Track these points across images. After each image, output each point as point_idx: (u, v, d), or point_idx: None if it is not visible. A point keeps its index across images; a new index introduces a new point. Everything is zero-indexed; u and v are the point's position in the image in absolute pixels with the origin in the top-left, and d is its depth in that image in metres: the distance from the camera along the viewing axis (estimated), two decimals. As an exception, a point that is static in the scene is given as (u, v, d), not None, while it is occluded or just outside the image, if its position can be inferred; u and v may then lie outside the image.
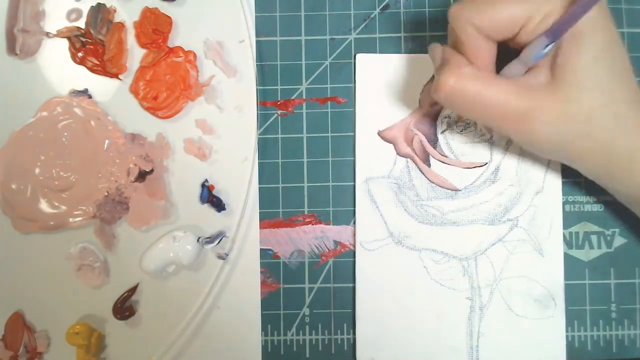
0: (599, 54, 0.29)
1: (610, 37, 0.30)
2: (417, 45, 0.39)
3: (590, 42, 0.29)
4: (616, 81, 0.30)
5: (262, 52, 0.40)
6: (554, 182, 0.38)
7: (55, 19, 0.40)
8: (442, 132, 0.38)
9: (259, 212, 0.39)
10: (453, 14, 0.31)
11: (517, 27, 0.30)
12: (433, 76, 0.38)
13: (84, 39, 0.39)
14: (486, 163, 0.38)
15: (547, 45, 0.29)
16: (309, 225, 0.39)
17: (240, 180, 0.39)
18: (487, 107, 0.31)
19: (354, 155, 0.39)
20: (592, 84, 0.29)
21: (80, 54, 0.39)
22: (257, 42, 0.40)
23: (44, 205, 0.38)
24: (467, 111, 0.32)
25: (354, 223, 0.39)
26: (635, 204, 0.34)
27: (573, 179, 0.38)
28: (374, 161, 0.39)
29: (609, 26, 0.30)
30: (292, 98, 0.39)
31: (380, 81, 0.39)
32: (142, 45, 0.39)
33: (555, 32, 0.28)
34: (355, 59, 0.39)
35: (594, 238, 0.39)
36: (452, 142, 0.38)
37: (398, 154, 0.39)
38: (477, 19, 0.30)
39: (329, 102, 0.39)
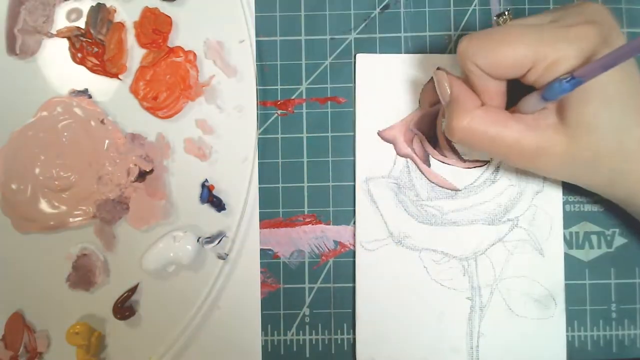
0: (609, 100, 0.29)
1: (623, 82, 0.29)
2: (417, 45, 0.39)
3: (601, 92, 0.29)
4: (627, 123, 0.30)
5: (262, 52, 0.40)
6: (554, 182, 0.38)
7: (55, 19, 0.40)
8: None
9: (259, 212, 0.39)
10: (459, 52, 0.30)
11: (522, 70, 0.30)
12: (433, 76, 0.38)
13: (84, 39, 0.39)
14: (486, 163, 0.38)
15: (568, 90, 0.28)
16: (309, 225, 0.39)
17: (240, 180, 0.39)
18: (499, 147, 0.31)
19: (354, 155, 0.39)
20: (598, 129, 0.29)
21: (80, 54, 0.39)
22: (257, 42, 0.40)
23: (44, 205, 0.38)
24: (479, 149, 0.32)
25: (354, 223, 0.39)
26: None
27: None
28: (374, 161, 0.39)
29: (624, 73, 0.29)
30: (292, 98, 0.39)
31: (380, 81, 0.39)
32: (142, 45, 0.39)
33: (580, 81, 0.27)
34: (355, 59, 0.39)
35: (594, 238, 0.39)
36: (452, 142, 0.38)
37: (398, 154, 0.39)
38: (480, 60, 0.30)
39: (329, 102, 0.39)
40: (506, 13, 0.33)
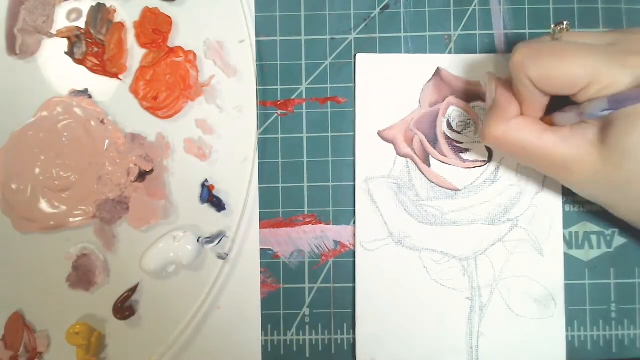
0: None
1: None
2: (417, 45, 0.39)
3: None
4: None
5: (262, 52, 0.40)
6: (554, 182, 0.38)
7: (55, 19, 0.40)
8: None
9: (259, 212, 0.39)
10: (514, 62, 0.30)
11: (574, 90, 0.29)
12: (433, 75, 0.39)
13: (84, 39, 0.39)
14: (486, 163, 0.38)
15: (607, 110, 0.28)
16: (309, 225, 0.39)
17: (240, 180, 0.39)
18: (532, 156, 0.32)
19: (354, 155, 0.39)
20: (637, 157, 0.29)
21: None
22: (257, 42, 0.40)
23: (44, 205, 0.38)
24: (510, 155, 0.33)
25: (354, 223, 0.39)
26: None
27: (573, 179, 0.38)
28: (374, 161, 0.39)
29: None
30: (292, 98, 0.40)
31: (380, 81, 0.39)
32: (142, 45, 0.39)
33: (618, 104, 0.27)
34: (355, 58, 0.39)
35: (594, 238, 0.39)
36: (452, 142, 0.38)
37: (398, 153, 0.39)
38: (534, 73, 0.29)
39: (329, 102, 0.39)
40: (564, 24, 0.32)
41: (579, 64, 0.29)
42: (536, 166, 0.33)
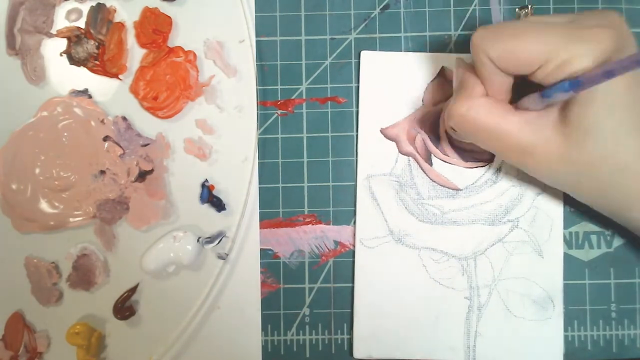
0: (612, 107, 0.29)
1: (628, 92, 0.29)
2: (417, 45, 0.39)
3: (605, 96, 0.29)
4: (626, 133, 0.29)
5: (262, 52, 0.40)
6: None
7: (55, 19, 0.40)
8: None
9: (259, 212, 0.39)
10: (473, 42, 0.30)
11: (533, 67, 0.29)
12: (438, 74, 0.39)
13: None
14: (488, 163, 0.38)
15: (567, 92, 0.28)
16: (309, 225, 0.39)
17: (240, 180, 0.39)
18: (494, 137, 0.32)
19: (355, 153, 0.39)
20: (597, 135, 0.29)
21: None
22: (257, 42, 0.39)
23: (44, 205, 0.38)
24: (473, 138, 0.33)
25: (354, 223, 0.39)
26: (636, 231, 0.34)
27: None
28: (376, 158, 0.39)
29: (633, 81, 0.29)
30: (292, 98, 0.39)
31: (384, 79, 0.39)
32: (142, 45, 0.39)
33: (579, 86, 0.27)
34: (359, 56, 0.39)
35: (593, 238, 0.39)
36: (454, 142, 0.38)
37: (400, 152, 0.39)
38: (492, 52, 0.29)
39: (329, 101, 0.39)
40: (529, 7, 0.33)
41: (536, 40, 0.29)
42: (497, 149, 0.32)
